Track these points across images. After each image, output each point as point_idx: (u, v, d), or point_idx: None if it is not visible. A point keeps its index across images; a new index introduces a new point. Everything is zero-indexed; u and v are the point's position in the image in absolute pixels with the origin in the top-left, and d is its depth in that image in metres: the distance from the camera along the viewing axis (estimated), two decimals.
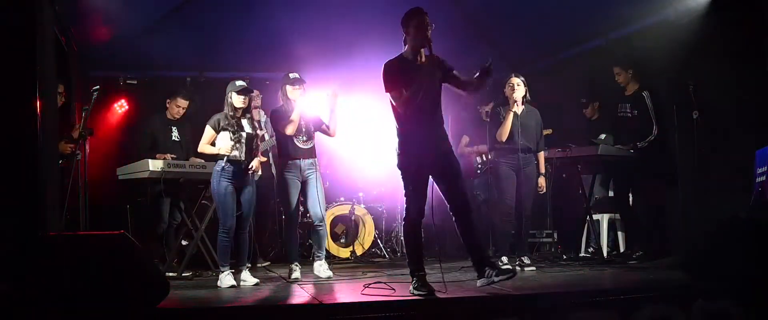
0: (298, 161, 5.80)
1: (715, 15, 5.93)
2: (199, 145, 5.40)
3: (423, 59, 4.50)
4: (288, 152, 5.82)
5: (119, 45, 7.22)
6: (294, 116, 5.72)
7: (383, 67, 4.49)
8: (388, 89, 4.48)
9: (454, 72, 4.57)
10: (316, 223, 5.89)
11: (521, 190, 6.06)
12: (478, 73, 4.46)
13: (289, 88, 5.81)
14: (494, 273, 4.33)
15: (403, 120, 4.50)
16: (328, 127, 5.96)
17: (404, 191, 4.52)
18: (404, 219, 4.55)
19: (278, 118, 5.80)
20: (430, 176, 4.54)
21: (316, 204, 5.82)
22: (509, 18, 7.18)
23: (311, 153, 5.90)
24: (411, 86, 4.40)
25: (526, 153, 6.07)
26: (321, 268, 5.76)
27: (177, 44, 7.35)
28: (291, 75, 5.84)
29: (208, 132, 5.35)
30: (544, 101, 7.10)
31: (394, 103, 4.50)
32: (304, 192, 5.87)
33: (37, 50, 4.27)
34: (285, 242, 5.97)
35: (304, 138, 5.86)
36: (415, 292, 4.32)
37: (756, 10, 5.57)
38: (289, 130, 5.72)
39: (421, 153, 4.45)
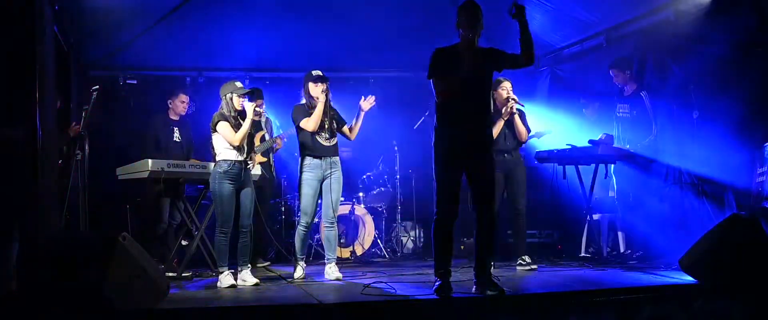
0: (319, 160, 5.74)
1: (715, 15, 5.93)
2: (234, 139, 5.29)
3: (472, 51, 4.41)
4: (309, 150, 5.75)
5: (119, 45, 7.22)
6: (316, 113, 5.67)
7: (432, 52, 4.43)
8: (429, 75, 4.43)
9: (508, 53, 4.50)
10: (325, 224, 5.85)
11: (513, 192, 6.11)
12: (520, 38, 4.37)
13: (311, 85, 5.76)
14: (485, 287, 4.30)
15: (441, 110, 4.43)
16: (350, 129, 5.91)
17: (435, 187, 4.41)
18: (434, 216, 4.41)
19: (299, 115, 5.74)
20: (464, 173, 4.42)
21: (329, 204, 5.77)
22: (508, 17, 7.17)
23: (334, 150, 5.84)
24: (451, 76, 4.34)
25: (511, 153, 6.14)
26: (331, 270, 5.71)
27: (177, 44, 7.35)
28: (314, 72, 5.79)
29: (227, 126, 5.32)
30: (544, 101, 7.12)
31: (434, 91, 4.43)
32: (320, 190, 5.80)
33: (37, 50, 4.27)
34: (294, 241, 5.90)
35: (328, 135, 5.79)
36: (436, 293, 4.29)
37: (756, 10, 5.56)
38: (310, 126, 5.66)
39: (453, 147, 4.36)
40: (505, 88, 6.13)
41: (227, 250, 5.33)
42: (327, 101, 5.73)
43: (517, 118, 6.14)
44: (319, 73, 5.78)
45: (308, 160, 5.76)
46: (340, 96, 6.30)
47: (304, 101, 5.83)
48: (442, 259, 4.37)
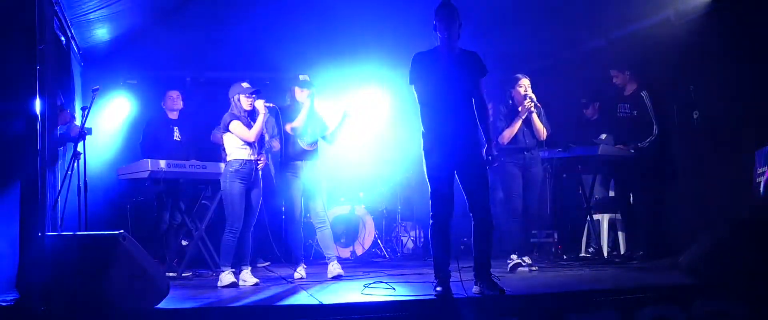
0: (300, 162, 5.81)
1: (715, 15, 5.93)
2: (249, 135, 5.35)
3: (453, 54, 4.41)
4: (291, 153, 5.83)
5: (119, 45, 7.21)
6: (301, 114, 5.74)
7: (412, 58, 4.44)
8: (410, 81, 4.44)
9: (479, 81, 4.47)
10: (316, 225, 5.88)
11: (527, 190, 6.03)
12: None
13: (297, 89, 5.86)
14: (485, 287, 4.29)
15: (425, 114, 4.44)
16: (329, 136, 5.96)
17: (428, 189, 4.40)
18: (430, 219, 4.39)
19: (283, 118, 5.81)
20: (456, 174, 4.41)
21: (317, 205, 5.82)
22: (509, 17, 7.18)
23: (314, 154, 5.91)
24: (431, 80, 4.36)
25: (530, 151, 6.05)
26: (333, 268, 5.73)
27: (177, 44, 7.34)
28: (301, 77, 5.88)
29: (239, 124, 5.37)
30: (545, 101, 7.10)
31: (416, 97, 4.45)
32: (306, 193, 5.86)
33: (37, 50, 4.26)
34: (289, 243, 5.96)
35: (309, 139, 5.87)
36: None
37: (756, 10, 5.57)
38: (297, 126, 5.72)
39: (442, 149, 4.35)
40: (523, 85, 6.04)
41: (233, 250, 5.34)
42: (311, 106, 5.79)
43: (535, 116, 5.99)
44: (306, 77, 5.89)
45: (289, 162, 5.83)
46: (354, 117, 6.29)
47: (288, 103, 5.91)
48: (441, 262, 4.35)
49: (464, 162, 4.39)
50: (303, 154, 5.84)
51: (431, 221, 4.38)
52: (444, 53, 4.42)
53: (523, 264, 5.95)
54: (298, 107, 5.81)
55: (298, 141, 5.82)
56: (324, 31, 7.26)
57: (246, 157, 5.37)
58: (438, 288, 4.28)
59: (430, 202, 4.38)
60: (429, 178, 4.40)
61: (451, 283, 4.33)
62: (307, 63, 6.93)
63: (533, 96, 5.98)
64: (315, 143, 5.93)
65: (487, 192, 4.42)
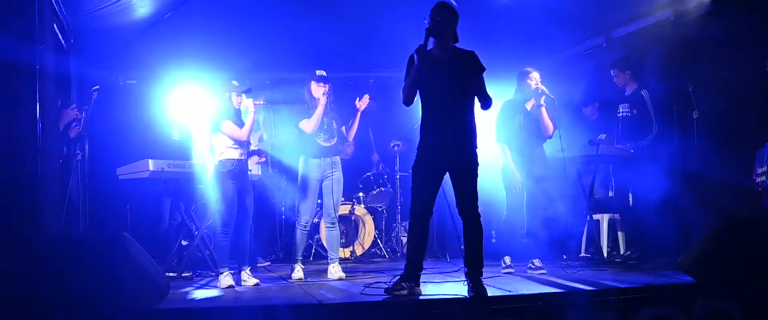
0: (319, 160, 5.76)
1: (715, 15, 5.93)
2: (241, 134, 5.29)
3: (447, 54, 4.43)
4: (309, 150, 5.77)
5: (119, 45, 7.21)
6: (315, 114, 5.68)
7: (409, 57, 4.46)
8: (404, 79, 4.47)
9: (481, 81, 4.47)
10: (327, 224, 5.85)
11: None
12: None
13: (314, 84, 5.77)
14: (469, 288, 4.32)
15: (422, 116, 4.48)
16: (346, 130, 5.91)
17: (411, 186, 4.43)
18: (410, 212, 4.45)
19: (299, 115, 5.75)
20: (448, 173, 4.44)
21: (330, 205, 5.77)
22: (509, 18, 7.18)
23: (333, 151, 5.85)
24: (422, 79, 4.37)
25: (535, 149, 5.98)
26: (334, 270, 5.71)
27: (177, 44, 7.34)
28: (318, 72, 5.80)
29: (230, 123, 5.31)
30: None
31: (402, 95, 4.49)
32: (320, 191, 5.82)
33: (37, 50, 4.27)
34: (294, 242, 5.88)
35: (326, 136, 5.81)
36: (389, 291, 4.31)
37: (756, 10, 5.57)
38: (309, 128, 5.69)
39: (431, 148, 4.39)
40: (534, 79, 5.87)
41: (228, 250, 5.33)
42: (327, 102, 5.73)
43: (544, 110, 5.86)
44: (323, 73, 5.79)
45: (307, 160, 5.77)
46: (339, 96, 6.29)
47: (304, 101, 5.82)
48: (411, 255, 4.41)
49: (456, 163, 4.42)
50: (322, 151, 5.77)
51: (412, 214, 4.43)
52: (436, 53, 4.44)
53: (533, 267, 5.80)
54: (315, 104, 5.73)
55: (316, 138, 5.76)
56: (325, 30, 7.27)
57: (237, 157, 5.33)
58: (395, 284, 4.34)
59: (412, 198, 4.43)
60: (414, 177, 4.44)
61: (446, 283, 4.35)
62: (309, 62, 6.91)
63: (544, 88, 5.83)
64: (333, 138, 5.85)
65: (475, 195, 4.44)
